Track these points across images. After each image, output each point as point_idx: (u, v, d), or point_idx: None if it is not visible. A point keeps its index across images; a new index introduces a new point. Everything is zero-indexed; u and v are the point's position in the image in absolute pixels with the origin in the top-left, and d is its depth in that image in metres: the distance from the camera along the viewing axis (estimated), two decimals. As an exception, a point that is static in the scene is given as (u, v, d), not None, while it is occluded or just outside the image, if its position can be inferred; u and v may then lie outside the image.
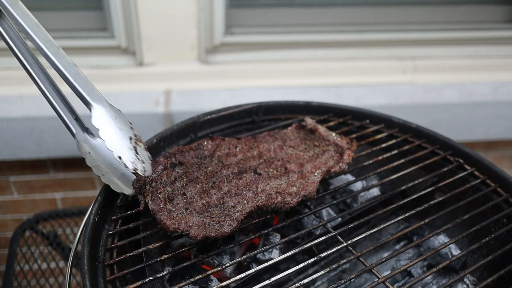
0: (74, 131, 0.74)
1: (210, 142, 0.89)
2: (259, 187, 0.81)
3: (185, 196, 0.77)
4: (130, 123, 0.73)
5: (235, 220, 0.74)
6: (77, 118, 0.77)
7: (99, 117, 0.68)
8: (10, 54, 1.64)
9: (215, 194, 0.78)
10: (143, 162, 0.71)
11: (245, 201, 0.78)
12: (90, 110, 0.69)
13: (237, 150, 0.90)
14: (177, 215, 0.73)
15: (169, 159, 0.83)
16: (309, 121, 1.00)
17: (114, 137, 0.68)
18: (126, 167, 0.69)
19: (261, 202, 0.78)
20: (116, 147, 0.68)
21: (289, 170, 0.86)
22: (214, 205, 0.76)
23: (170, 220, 0.72)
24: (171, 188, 0.78)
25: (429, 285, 0.93)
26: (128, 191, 0.79)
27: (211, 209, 0.75)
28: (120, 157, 0.68)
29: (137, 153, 0.70)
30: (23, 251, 1.55)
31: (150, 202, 0.74)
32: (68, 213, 1.71)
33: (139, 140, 0.73)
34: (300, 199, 0.81)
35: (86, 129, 0.77)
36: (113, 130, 0.68)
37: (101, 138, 0.68)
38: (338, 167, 0.89)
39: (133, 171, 0.70)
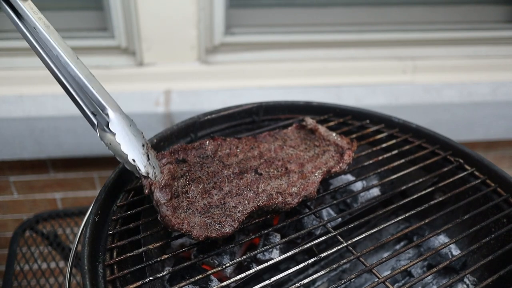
0: (95, 122, 0.76)
1: (211, 142, 0.89)
2: (260, 187, 0.81)
3: (187, 196, 0.77)
4: (141, 132, 0.78)
5: (236, 221, 0.74)
6: (95, 112, 0.78)
7: (116, 123, 0.72)
8: (10, 54, 1.64)
9: (216, 194, 0.79)
10: (154, 168, 0.76)
11: (246, 202, 0.78)
12: (107, 117, 0.73)
13: (238, 150, 0.90)
14: (181, 213, 0.73)
15: (173, 154, 0.83)
16: (310, 121, 1.00)
17: (129, 142, 0.73)
18: (139, 170, 0.73)
19: (262, 202, 0.78)
20: (131, 152, 0.72)
21: (290, 170, 0.86)
22: (216, 206, 0.76)
23: (175, 218, 0.71)
24: (176, 184, 0.78)
25: (429, 285, 0.93)
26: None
27: (213, 210, 0.75)
28: (134, 160, 0.72)
29: (148, 159, 0.75)
30: (23, 251, 1.55)
31: (157, 192, 0.73)
32: (68, 213, 1.71)
33: (151, 148, 0.77)
34: (300, 199, 0.81)
35: (107, 124, 0.78)
36: (128, 136, 0.73)
37: (117, 142, 0.72)
38: (338, 167, 0.89)
39: (145, 175, 0.74)
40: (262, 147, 0.92)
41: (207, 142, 0.89)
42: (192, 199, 0.76)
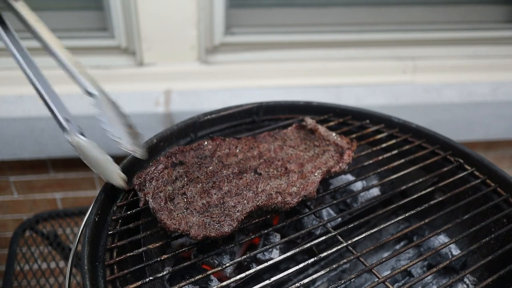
0: (67, 128, 0.77)
1: (210, 142, 0.89)
2: (259, 187, 0.81)
3: (185, 196, 0.77)
4: (128, 115, 0.79)
5: (235, 220, 0.74)
6: (68, 119, 0.80)
7: (101, 104, 0.74)
8: (10, 54, 1.63)
9: (215, 194, 0.79)
10: (139, 148, 0.77)
11: (245, 201, 0.78)
12: (91, 96, 0.75)
13: (237, 150, 0.90)
14: (177, 214, 0.73)
15: (169, 158, 0.83)
16: (309, 121, 1.00)
17: (114, 121, 0.75)
18: (125, 148, 0.74)
19: (262, 202, 0.78)
20: (116, 131, 0.74)
21: (289, 170, 0.86)
22: (215, 205, 0.76)
23: (170, 220, 0.72)
24: (171, 187, 0.78)
25: (429, 285, 0.93)
26: (120, 183, 0.81)
27: (212, 209, 0.75)
28: (119, 140, 0.74)
29: (134, 138, 0.77)
30: (23, 251, 1.55)
31: (151, 201, 0.74)
32: (68, 213, 1.71)
33: (134, 129, 0.79)
34: (300, 199, 0.81)
35: (76, 128, 0.80)
36: (113, 116, 0.75)
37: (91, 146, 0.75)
38: (338, 167, 0.89)
39: (132, 153, 0.75)
40: (261, 147, 0.92)
41: (206, 142, 0.89)
42: (190, 199, 0.77)
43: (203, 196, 0.78)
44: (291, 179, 0.85)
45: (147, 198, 0.75)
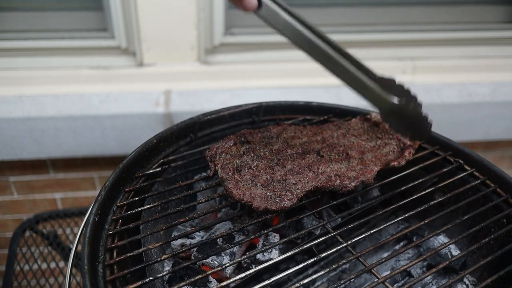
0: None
1: (277, 126, 0.96)
2: (320, 168, 0.86)
3: (251, 170, 0.82)
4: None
5: (295, 196, 0.78)
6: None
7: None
8: (10, 54, 1.63)
9: (278, 170, 0.84)
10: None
11: (305, 180, 0.82)
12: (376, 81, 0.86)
13: (302, 134, 0.95)
14: (243, 185, 0.78)
15: (239, 137, 0.89)
16: (374, 114, 1.05)
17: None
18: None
19: (321, 183, 0.82)
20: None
21: (350, 156, 0.91)
22: (277, 181, 0.81)
23: (236, 189, 0.77)
24: (239, 161, 0.84)
25: (429, 285, 0.93)
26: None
27: (274, 184, 0.80)
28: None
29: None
30: (23, 251, 1.55)
31: (220, 170, 0.80)
32: (68, 213, 1.71)
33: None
34: (358, 183, 0.84)
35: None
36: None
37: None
38: (397, 162, 0.92)
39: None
40: (325, 133, 0.97)
41: (272, 127, 0.95)
42: (255, 172, 0.82)
43: (267, 172, 0.83)
44: (351, 164, 0.89)
45: (216, 168, 0.81)
